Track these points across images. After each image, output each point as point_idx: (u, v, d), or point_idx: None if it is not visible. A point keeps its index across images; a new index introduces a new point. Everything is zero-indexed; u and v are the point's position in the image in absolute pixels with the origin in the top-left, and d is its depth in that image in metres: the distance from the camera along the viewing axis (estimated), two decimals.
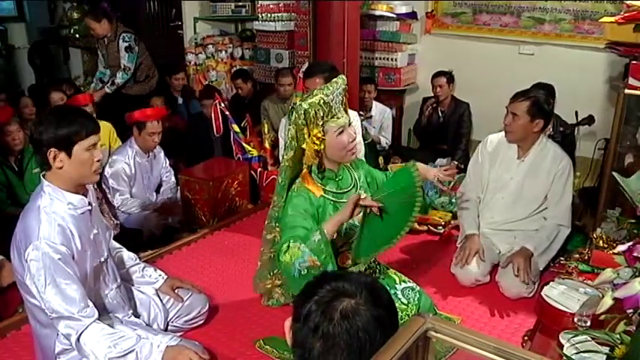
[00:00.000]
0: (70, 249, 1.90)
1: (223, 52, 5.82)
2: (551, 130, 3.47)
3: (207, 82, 5.65)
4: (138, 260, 2.44)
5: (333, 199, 2.20)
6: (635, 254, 1.43)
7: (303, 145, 2.13)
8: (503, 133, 2.88)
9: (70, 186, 1.94)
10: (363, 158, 3.26)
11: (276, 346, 2.31)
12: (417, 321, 0.99)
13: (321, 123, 2.09)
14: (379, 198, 2.04)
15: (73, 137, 1.88)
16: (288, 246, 1.97)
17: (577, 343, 1.63)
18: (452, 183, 3.86)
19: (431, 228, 3.44)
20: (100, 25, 4.40)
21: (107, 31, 4.45)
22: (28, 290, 1.91)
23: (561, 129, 3.69)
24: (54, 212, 1.89)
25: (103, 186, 3.51)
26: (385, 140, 4.66)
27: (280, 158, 3.54)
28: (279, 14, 5.17)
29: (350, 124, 2.18)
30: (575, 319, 1.78)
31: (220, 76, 5.71)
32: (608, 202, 2.94)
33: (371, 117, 4.59)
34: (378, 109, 4.65)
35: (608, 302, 1.33)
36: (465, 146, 4.48)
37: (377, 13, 4.93)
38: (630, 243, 1.47)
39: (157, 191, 3.83)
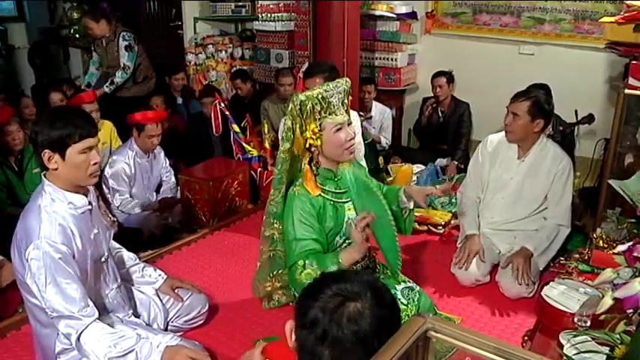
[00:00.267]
0: (70, 248, 1.90)
1: (223, 52, 5.82)
2: (551, 130, 3.47)
3: (207, 82, 5.65)
4: (138, 260, 2.44)
5: (333, 199, 2.21)
6: (635, 254, 1.43)
7: (301, 140, 2.14)
8: (503, 133, 2.88)
9: (70, 186, 1.94)
10: (363, 158, 3.27)
11: None
12: (417, 321, 1.00)
13: (318, 118, 2.09)
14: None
15: (66, 139, 1.86)
16: (304, 266, 2.06)
17: (577, 343, 1.63)
18: (452, 183, 3.87)
19: (431, 228, 3.44)
20: (98, 25, 4.38)
21: (105, 32, 4.43)
22: (29, 290, 1.91)
23: (561, 128, 3.69)
24: (54, 212, 1.89)
25: (103, 185, 3.51)
26: (385, 140, 4.66)
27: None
28: (279, 14, 5.17)
29: (350, 124, 2.17)
30: (575, 319, 1.78)
31: (220, 76, 5.72)
32: (608, 202, 2.94)
33: (371, 117, 4.59)
34: (378, 109, 4.65)
35: (608, 302, 1.33)
36: (465, 146, 4.48)
37: (377, 13, 4.93)
38: (630, 243, 1.47)
39: (157, 191, 3.83)
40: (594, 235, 2.66)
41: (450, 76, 4.47)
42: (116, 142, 4.15)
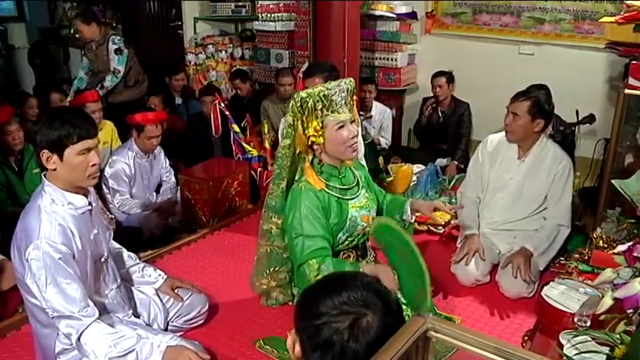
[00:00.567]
0: (70, 248, 1.90)
1: (223, 52, 5.82)
2: (551, 130, 3.47)
3: (207, 82, 5.65)
4: (138, 260, 2.44)
5: (338, 195, 2.22)
6: (635, 254, 1.43)
7: (302, 136, 2.15)
8: (503, 133, 2.88)
9: (69, 186, 1.94)
10: (364, 158, 3.27)
11: (276, 346, 2.31)
12: (417, 321, 0.99)
13: (320, 115, 2.09)
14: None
15: (64, 140, 1.86)
16: (319, 269, 2.06)
17: (577, 343, 1.63)
18: (452, 183, 3.88)
19: (431, 228, 3.44)
20: (88, 28, 4.30)
21: (95, 35, 4.35)
22: (29, 290, 1.91)
23: (561, 129, 3.69)
24: (54, 212, 1.89)
25: (102, 185, 3.51)
26: (385, 140, 4.66)
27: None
28: (279, 14, 5.17)
29: (353, 122, 2.18)
30: (575, 319, 1.79)
31: (220, 76, 5.72)
32: (608, 202, 2.94)
33: (371, 117, 4.59)
34: (378, 109, 4.65)
35: (608, 302, 1.33)
36: (465, 146, 4.48)
37: (377, 13, 4.93)
38: (630, 243, 1.48)
39: (157, 191, 3.83)
40: (594, 235, 2.65)
41: (450, 76, 4.47)
42: (116, 143, 4.15)
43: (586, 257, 2.75)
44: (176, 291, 2.42)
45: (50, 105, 4.31)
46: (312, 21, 4.14)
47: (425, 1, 5.02)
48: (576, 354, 1.52)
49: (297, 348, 1.07)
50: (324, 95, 2.09)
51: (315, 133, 2.11)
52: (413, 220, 2.39)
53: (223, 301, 2.69)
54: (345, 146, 2.15)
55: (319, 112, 2.10)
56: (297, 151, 2.22)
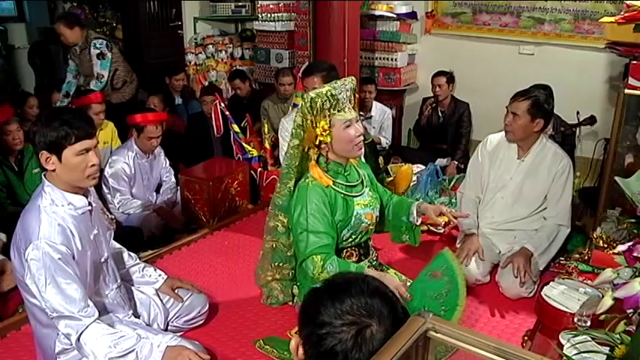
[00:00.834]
0: (70, 249, 1.89)
1: (223, 52, 5.82)
2: (551, 130, 3.47)
3: (207, 82, 5.65)
4: (138, 260, 2.44)
5: (343, 191, 2.24)
6: (635, 254, 1.43)
7: (310, 137, 2.17)
8: (503, 133, 2.88)
9: (69, 187, 1.94)
10: (363, 158, 3.27)
11: (276, 346, 2.31)
12: (417, 321, 0.99)
13: (328, 115, 2.12)
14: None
15: (62, 141, 1.85)
16: (324, 266, 2.07)
17: (577, 343, 1.63)
18: (452, 183, 3.87)
19: (431, 228, 3.43)
20: (71, 32, 4.22)
21: (78, 39, 4.27)
22: (29, 290, 1.91)
23: (562, 129, 3.69)
24: (54, 212, 1.89)
25: (102, 185, 3.51)
26: (385, 140, 4.66)
27: (280, 158, 3.55)
28: (279, 14, 5.18)
29: (358, 120, 2.21)
30: (575, 319, 1.79)
31: (220, 76, 5.72)
32: (608, 202, 2.94)
33: (371, 117, 4.59)
34: (378, 109, 4.65)
35: (608, 302, 1.34)
36: (465, 146, 4.49)
37: (377, 13, 4.94)
38: (630, 243, 1.48)
39: (157, 191, 3.83)
40: (594, 235, 2.66)
41: (450, 76, 4.47)
42: (116, 143, 4.15)
43: (586, 257, 2.75)
44: (176, 291, 2.42)
45: (52, 105, 4.31)
46: (312, 21, 4.14)
47: (425, 1, 5.03)
48: (576, 354, 1.52)
49: (301, 351, 1.07)
50: (331, 95, 2.12)
51: (324, 132, 2.14)
52: (419, 223, 2.40)
53: (223, 301, 2.69)
54: (352, 144, 2.18)
55: (327, 111, 2.13)
56: (306, 150, 2.24)
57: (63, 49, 6.52)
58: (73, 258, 1.91)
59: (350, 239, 2.27)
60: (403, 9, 4.95)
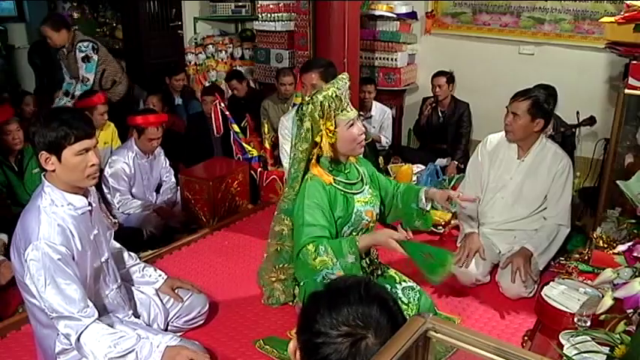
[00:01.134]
0: (69, 249, 1.89)
1: (223, 52, 5.82)
2: (551, 130, 3.47)
3: (207, 82, 5.65)
4: (138, 260, 2.44)
5: (343, 189, 2.24)
6: (635, 254, 1.43)
7: (317, 139, 2.16)
8: (503, 133, 2.88)
9: (69, 187, 1.94)
10: (363, 158, 3.27)
11: (276, 346, 2.31)
12: (417, 321, 0.99)
13: (333, 116, 2.12)
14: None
15: (61, 141, 1.85)
16: (317, 251, 2.03)
17: (577, 343, 1.63)
18: (452, 183, 3.87)
19: (431, 228, 3.43)
20: (58, 34, 4.16)
21: (65, 41, 4.22)
22: (28, 290, 1.91)
23: (562, 130, 3.69)
24: (54, 213, 1.89)
25: (103, 186, 3.51)
26: (385, 140, 4.66)
27: (281, 157, 3.54)
28: (279, 14, 5.18)
29: (356, 117, 2.21)
30: (575, 319, 1.79)
31: (220, 76, 5.72)
32: (608, 202, 2.94)
33: (371, 117, 4.60)
34: (378, 109, 4.65)
35: (608, 302, 1.33)
36: (465, 146, 4.49)
37: (377, 13, 4.94)
38: (630, 243, 1.48)
39: (157, 191, 3.83)
40: (594, 235, 2.66)
41: (450, 76, 4.47)
42: (116, 143, 4.15)
43: (586, 257, 2.75)
44: (176, 291, 2.42)
45: (53, 105, 4.31)
46: (312, 21, 4.14)
47: (425, 1, 5.03)
48: (576, 354, 1.52)
49: (298, 355, 1.06)
50: (336, 96, 2.13)
51: (330, 134, 2.14)
52: (428, 208, 2.39)
53: (223, 301, 2.69)
54: (355, 143, 2.19)
55: (332, 112, 2.13)
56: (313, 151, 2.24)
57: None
58: (73, 258, 1.91)
59: (351, 236, 2.27)
60: (403, 9, 4.95)
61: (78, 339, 1.88)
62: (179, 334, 2.30)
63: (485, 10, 4.78)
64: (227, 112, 4.10)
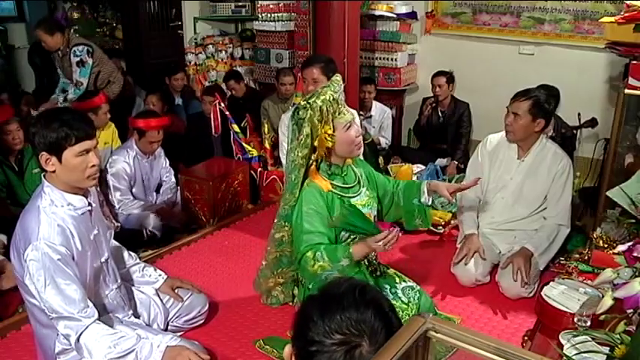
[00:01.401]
0: (69, 249, 1.89)
1: (223, 52, 5.82)
2: (552, 131, 3.47)
3: (207, 82, 5.65)
4: (138, 260, 2.44)
5: (340, 193, 2.24)
6: (635, 254, 1.43)
7: (315, 143, 2.15)
8: (503, 133, 2.88)
9: (69, 187, 1.94)
10: (363, 157, 3.27)
11: (276, 346, 2.31)
12: (417, 321, 0.99)
13: (330, 119, 2.12)
14: None
15: (62, 142, 1.85)
16: (315, 258, 2.08)
17: (577, 343, 1.63)
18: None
19: (431, 228, 3.43)
20: (52, 38, 4.13)
21: (59, 44, 4.19)
22: (28, 290, 1.91)
23: (563, 131, 3.69)
24: (53, 213, 1.89)
25: (104, 186, 3.51)
26: (385, 140, 4.66)
27: (281, 155, 3.54)
28: (279, 14, 5.18)
29: (354, 119, 2.21)
30: (575, 319, 1.79)
31: (220, 76, 5.71)
32: (608, 202, 2.93)
33: (371, 117, 4.59)
34: (378, 109, 4.65)
35: (608, 302, 1.33)
36: (465, 146, 4.48)
37: (377, 13, 4.94)
38: (630, 243, 1.48)
39: (157, 191, 3.83)
40: (594, 235, 2.65)
41: (449, 76, 4.47)
42: (116, 144, 4.15)
43: (586, 257, 2.75)
44: (176, 291, 2.42)
45: (56, 105, 4.30)
46: (312, 21, 4.14)
47: (425, 1, 5.03)
48: (576, 354, 1.52)
49: None
50: (333, 99, 2.12)
51: (329, 137, 2.13)
52: (430, 203, 2.39)
53: (223, 301, 2.69)
54: (353, 145, 2.19)
55: (330, 116, 2.12)
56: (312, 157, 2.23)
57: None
58: (73, 259, 1.91)
59: (349, 240, 2.27)
60: (403, 9, 4.95)
61: (78, 339, 1.88)
62: (179, 334, 2.30)
63: (485, 10, 4.78)
64: (227, 112, 4.10)
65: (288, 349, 1.05)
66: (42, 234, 1.84)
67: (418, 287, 2.36)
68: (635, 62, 2.67)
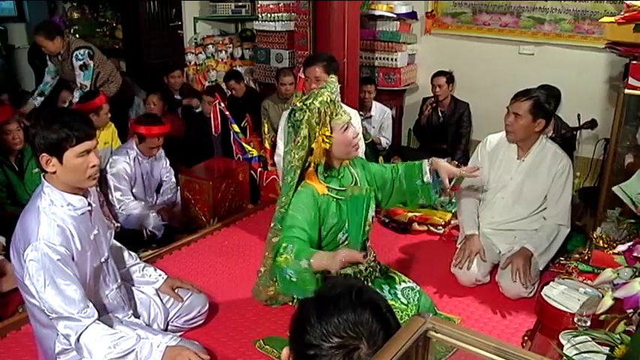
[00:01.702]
0: (69, 250, 1.89)
1: (223, 52, 5.82)
2: (552, 132, 3.47)
3: (207, 82, 5.65)
4: (138, 260, 2.44)
5: (336, 196, 2.21)
6: (635, 254, 1.43)
7: (313, 145, 2.12)
8: (502, 133, 2.88)
9: (69, 188, 1.94)
10: (364, 157, 3.26)
11: (276, 346, 2.31)
12: (417, 321, 0.99)
13: (328, 121, 2.10)
14: None
15: (63, 143, 1.85)
16: (285, 249, 1.96)
17: (577, 343, 1.63)
18: (452, 183, 3.87)
19: (431, 228, 3.44)
20: (53, 43, 4.12)
21: (60, 48, 4.18)
22: (28, 290, 1.91)
23: (563, 132, 3.69)
24: (53, 213, 1.89)
25: (104, 186, 3.52)
26: (385, 140, 4.66)
27: (275, 157, 3.54)
28: (279, 14, 5.18)
29: (351, 120, 2.19)
30: (575, 319, 1.79)
31: (220, 76, 5.71)
32: (608, 202, 2.94)
33: (371, 117, 4.60)
34: (378, 109, 4.65)
35: (608, 302, 1.33)
36: (465, 146, 4.49)
37: (377, 13, 4.94)
38: (630, 243, 1.48)
39: (157, 191, 3.83)
40: (594, 235, 2.65)
41: (449, 76, 4.47)
42: (116, 144, 4.16)
43: (586, 257, 2.75)
44: (176, 291, 2.42)
45: (58, 104, 4.31)
46: (312, 21, 4.14)
47: (425, 1, 5.03)
48: (576, 354, 1.52)
49: None
50: (330, 100, 2.10)
51: (326, 139, 2.11)
52: (432, 180, 2.32)
53: (223, 301, 2.69)
54: (351, 146, 2.16)
55: (327, 117, 2.10)
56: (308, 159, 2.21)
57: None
58: (73, 259, 1.91)
59: (346, 242, 2.26)
60: (403, 9, 4.95)
61: (78, 339, 1.88)
62: (179, 334, 2.30)
63: (485, 10, 4.78)
64: (227, 112, 4.10)
65: (285, 352, 1.04)
66: (42, 234, 1.84)
67: (418, 288, 2.35)
68: (635, 62, 2.67)
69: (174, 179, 3.84)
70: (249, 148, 4.08)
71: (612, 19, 2.75)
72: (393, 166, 2.46)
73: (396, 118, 5.12)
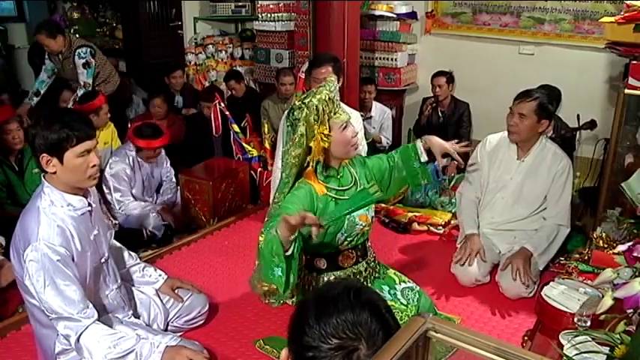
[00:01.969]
0: (69, 250, 1.89)
1: (223, 52, 5.82)
2: (552, 132, 3.47)
3: (207, 82, 5.65)
4: (138, 260, 2.44)
5: (335, 196, 2.20)
6: (635, 254, 1.43)
7: (311, 143, 2.11)
8: (502, 133, 2.88)
9: (69, 188, 1.94)
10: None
11: (276, 346, 2.31)
12: (417, 321, 0.99)
13: (327, 120, 2.09)
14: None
15: (63, 143, 1.85)
16: (266, 229, 1.95)
17: (577, 343, 1.63)
18: (452, 183, 3.88)
19: (431, 228, 3.44)
20: (55, 41, 4.13)
21: (61, 47, 4.19)
22: (28, 291, 1.91)
23: (562, 132, 3.69)
24: (53, 213, 1.89)
25: (103, 186, 3.51)
26: (385, 140, 4.66)
27: (276, 158, 3.53)
28: (279, 14, 5.18)
29: (349, 119, 2.18)
30: (575, 319, 1.79)
31: (220, 76, 5.72)
32: (608, 202, 2.94)
33: (371, 117, 4.59)
34: (378, 109, 4.65)
35: (608, 302, 1.33)
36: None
37: (377, 13, 4.94)
38: (630, 243, 1.48)
39: (157, 191, 3.83)
40: (594, 235, 2.65)
41: (449, 76, 4.47)
42: (116, 144, 4.16)
43: (586, 257, 2.75)
44: (176, 291, 2.42)
45: (59, 104, 4.31)
46: (312, 21, 4.13)
47: (425, 1, 5.03)
48: (576, 354, 1.52)
49: None
50: (329, 98, 2.09)
51: (325, 138, 2.10)
52: (426, 160, 2.37)
53: (223, 301, 2.69)
54: (349, 146, 2.15)
55: (326, 116, 2.09)
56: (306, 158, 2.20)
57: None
58: (73, 259, 1.91)
59: (346, 242, 2.25)
60: (403, 9, 4.95)
61: (78, 340, 1.88)
62: (179, 334, 2.30)
63: (485, 10, 4.78)
64: (227, 112, 4.10)
65: (284, 354, 1.03)
66: (42, 235, 1.84)
67: (418, 288, 2.35)
68: (635, 62, 2.67)
69: (174, 179, 3.84)
70: (249, 148, 4.08)
71: (612, 19, 2.75)
72: (389, 155, 2.45)
73: (396, 118, 5.12)
